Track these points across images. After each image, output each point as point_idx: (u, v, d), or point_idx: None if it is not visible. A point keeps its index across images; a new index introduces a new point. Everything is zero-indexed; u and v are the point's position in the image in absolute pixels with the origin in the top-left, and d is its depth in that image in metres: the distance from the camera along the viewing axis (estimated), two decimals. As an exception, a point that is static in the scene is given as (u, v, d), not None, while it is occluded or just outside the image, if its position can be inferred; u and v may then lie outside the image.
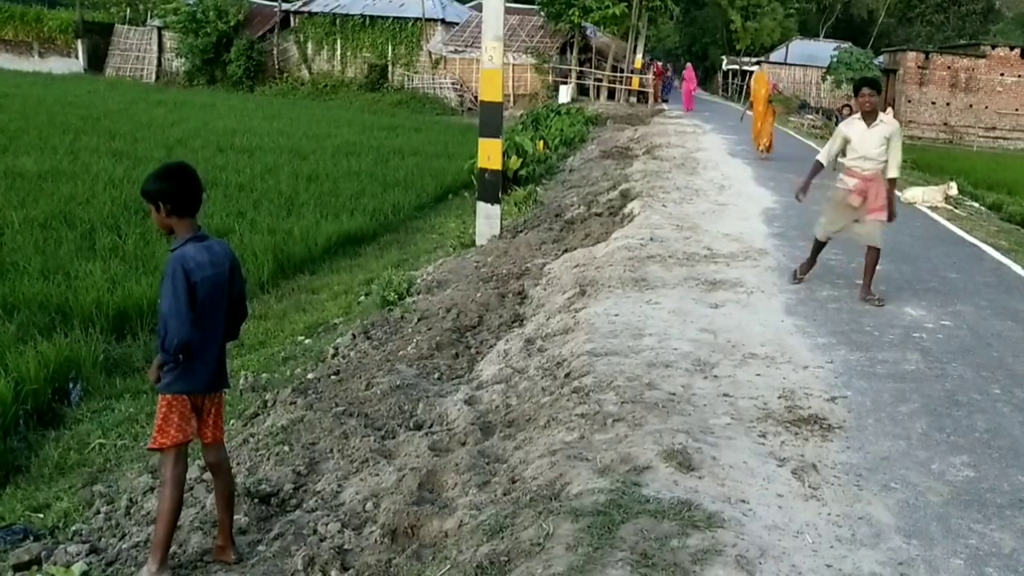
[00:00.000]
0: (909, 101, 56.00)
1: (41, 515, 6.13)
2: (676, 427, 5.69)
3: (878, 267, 9.32)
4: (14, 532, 5.68)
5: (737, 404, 6.27)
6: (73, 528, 5.79)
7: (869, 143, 9.05)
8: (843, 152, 9.34)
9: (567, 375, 6.92)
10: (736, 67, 67.25)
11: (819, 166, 9.52)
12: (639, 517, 4.48)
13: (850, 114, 23.43)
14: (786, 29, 68.33)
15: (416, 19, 51.56)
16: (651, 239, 11.60)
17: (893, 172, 9.09)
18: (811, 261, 9.83)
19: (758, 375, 6.89)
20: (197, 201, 4.81)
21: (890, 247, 9.86)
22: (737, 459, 5.34)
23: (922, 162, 31.77)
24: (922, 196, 17.34)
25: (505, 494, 5.13)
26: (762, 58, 63.72)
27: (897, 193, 9.28)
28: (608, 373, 6.72)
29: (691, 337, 7.72)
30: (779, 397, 6.44)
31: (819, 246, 9.72)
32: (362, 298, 11.72)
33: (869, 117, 9.12)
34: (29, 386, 8.10)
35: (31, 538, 5.61)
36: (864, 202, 9.09)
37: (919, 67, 56.45)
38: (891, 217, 9.22)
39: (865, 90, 9.08)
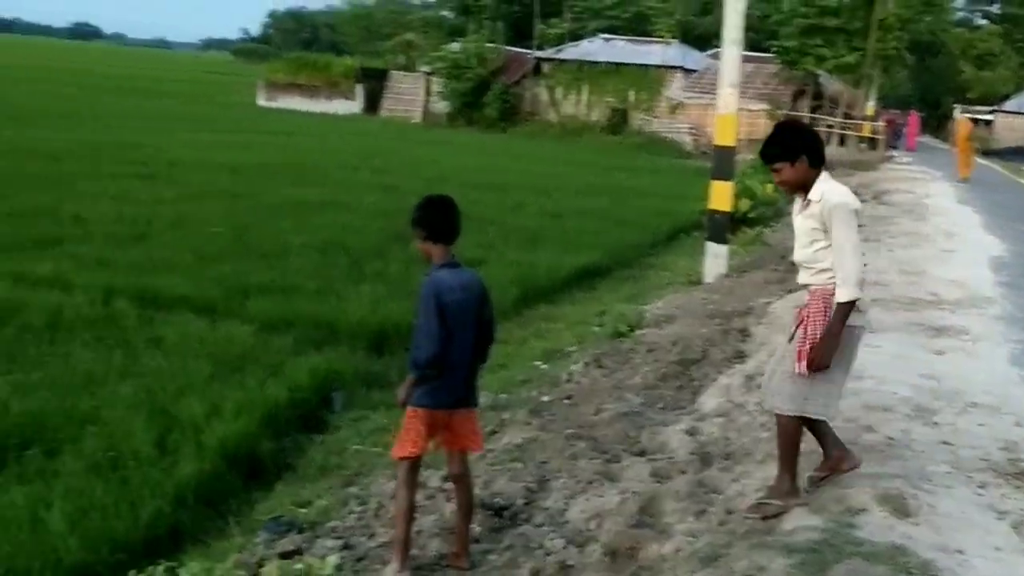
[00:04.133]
0: None
1: (304, 510, 6.47)
2: (893, 472, 5.43)
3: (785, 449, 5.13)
4: (281, 524, 6.05)
5: (957, 453, 5.90)
6: (329, 524, 6.07)
7: (798, 239, 5.00)
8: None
9: (786, 413, 6.72)
10: (969, 116, 63.69)
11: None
12: (852, 558, 4.30)
13: None
14: (1021, 78, 64.09)
15: (658, 66, 51.55)
16: (875, 283, 11.12)
17: (842, 293, 4.68)
18: (826, 444, 5.16)
19: (980, 425, 6.47)
20: (453, 231, 5.00)
21: None
22: (955, 508, 5.04)
23: None
24: None
25: (720, 524, 5.06)
26: (996, 107, 60.10)
27: None
28: (826, 414, 6.48)
29: (912, 382, 7.34)
30: (1001, 448, 6.02)
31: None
32: (595, 328, 11.79)
33: (799, 193, 4.94)
34: (300, 394, 8.62)
35: (295, 530, 5.94)
36: (794, 337, 4.96)
37: None
38: (811, 363, 4.75)
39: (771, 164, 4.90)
